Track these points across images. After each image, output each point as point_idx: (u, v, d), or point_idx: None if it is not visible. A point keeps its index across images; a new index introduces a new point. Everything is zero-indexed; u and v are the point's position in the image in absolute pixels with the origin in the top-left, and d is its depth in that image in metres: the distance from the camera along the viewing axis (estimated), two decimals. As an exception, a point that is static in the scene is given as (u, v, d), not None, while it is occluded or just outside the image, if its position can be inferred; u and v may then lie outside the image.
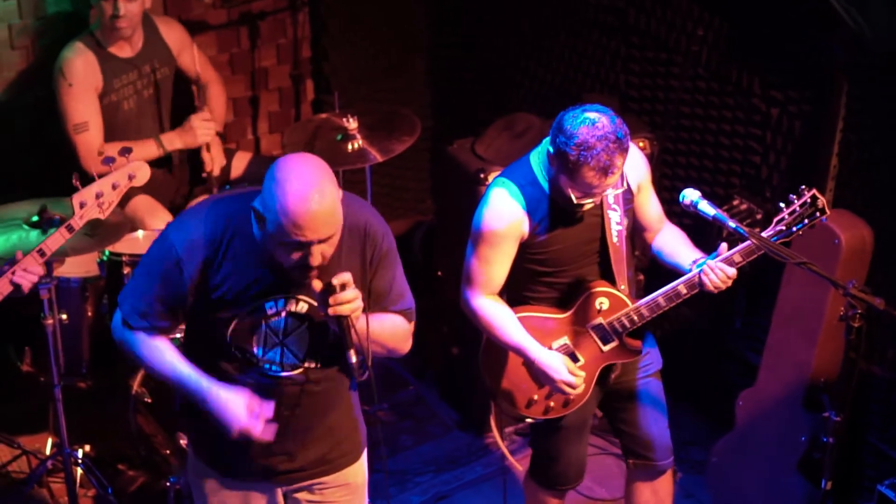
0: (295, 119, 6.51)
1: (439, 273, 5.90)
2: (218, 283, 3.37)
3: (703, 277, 4.04)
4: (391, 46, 6.69)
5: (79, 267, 5.00)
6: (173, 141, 5.52)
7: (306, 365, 3.51)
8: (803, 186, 4.02)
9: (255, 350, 3.46)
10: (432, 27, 6.78)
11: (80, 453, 4.91)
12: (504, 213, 4.02)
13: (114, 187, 4.19)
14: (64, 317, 4.85)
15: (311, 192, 3.17)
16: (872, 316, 3.74)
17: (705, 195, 4.01)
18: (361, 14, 6.52)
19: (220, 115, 5.84)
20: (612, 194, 4.08)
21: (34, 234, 4.51)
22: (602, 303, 4.17)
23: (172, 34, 5.60)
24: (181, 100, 5.87)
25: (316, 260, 3.23)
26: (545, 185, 4.02)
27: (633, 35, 5.60)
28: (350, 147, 5.22)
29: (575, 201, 3.92)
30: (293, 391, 3.54)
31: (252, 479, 3.67)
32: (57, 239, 4.09)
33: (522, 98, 6.32)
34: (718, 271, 4.02)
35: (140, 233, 5.09)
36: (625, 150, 3.83)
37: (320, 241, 3.22)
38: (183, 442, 4.68)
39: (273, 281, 3.38)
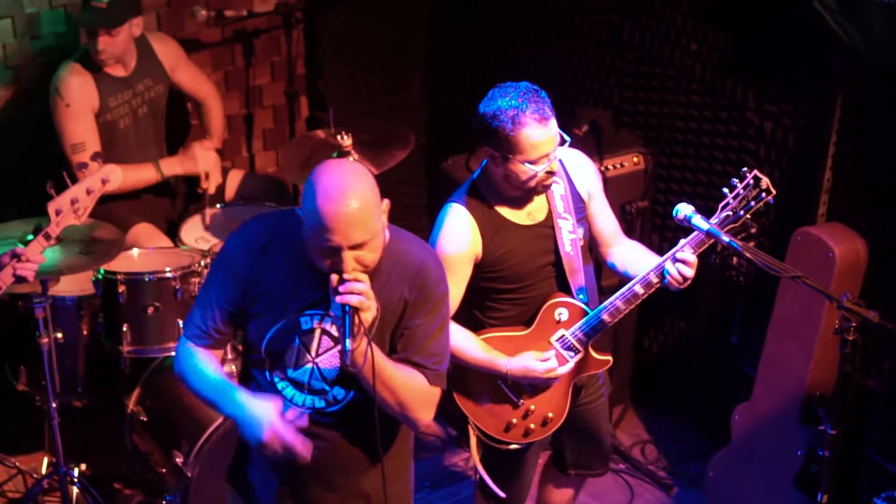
0: (290, 136, 6.51)
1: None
2: (260, 288, 3.32)
3: (667, 275, 3.98)
4: (386, 63, 6.70)
5: (74, 285, 5.00)
6: (173, 167, 5.53)
7: (333, 394, 3.37)
8: (745, 168, 3.98)
9: (286, 365, 3.36)
10: (428, 44, 6.79)
11: (76, 472, 4.90)
12: (457, 234, 4.02)
13: (88, 192, 4.26)
14: (59, 335, 4.86)
15: (342, 193, 3.11)
16: (867, 329, 3.74)
17: (699, 209, 4.00)
18: (356, 31, 6.53)
19: (220, 131, 5.87)
20: (560, 205, 4.08)
21: (29, 253, 4.52)
22: (561, 313, 4.13)
23: (166, 51, 5.61)
24: (176, 116, 5.89)
25: (348, 266, 3.14)
26: (493, 201, 4.05)
27: (628, 50, 5.62)
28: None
29: (536, 171, 3.90)
30: (317, 432, 3.39)
31: None
32: (35, 247, 4.14)
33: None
34: (679, 264, 3.97)
35: (135, 251, 5.09)
36: (546, 100, 3.90)
37: (351, 248, 3.14)
38: (179, 460, 4.68)
39: (312, 295, 3.30)
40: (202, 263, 4.91)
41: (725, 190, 3.97)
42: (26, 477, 5.20)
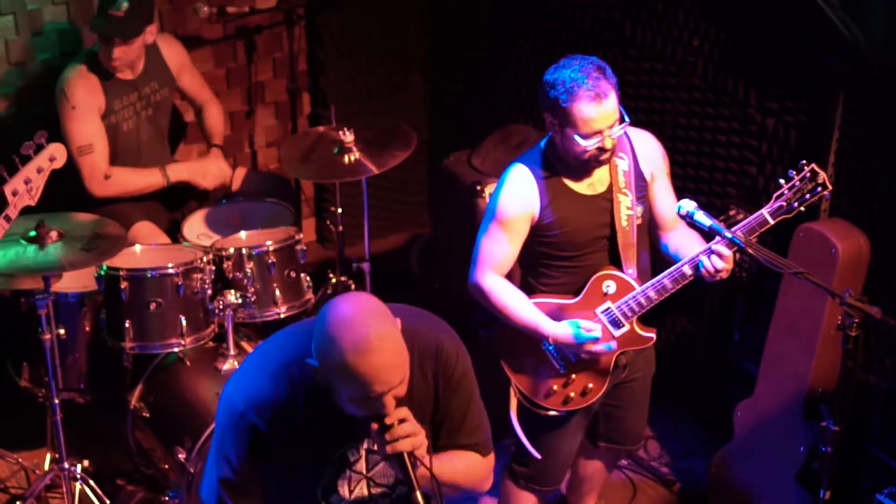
0: (292, 133, 6.52)
1: (437, 285, 5.90)
2: (297, 445, 3.11)
3: (701, 267, 4.05)
4: (387, 60, 6.72)
5: (76, 282, 5.00)
6: (180, 173, 5.53)
7: (398, 492, 3.27)
8: (803, 161, 4.03)
9: (341, 493, 3.22)
10: (428, 41, 6.80)
11: (78, 468, 4.89)
12: (518, 193, 4.11)
13: (39, 171, 4.35)
14: (62, 332, 4.85)
15: (372, 342, 2.86)
16: (870, 325, 3.73)
17: (702, 206, 4.01)
18: (357, 29, 6.54)
19: (220, 130, 5.86)
20: (622, 180, 4.14)
21: (31, 250, 4.52)
22: (609, 286, 4.18)
23: (173, 54, 5.60)
24: (179, 120, 5.89)
25: (390, 409, 2.94)
26: (556, 168, 4.12)
27: (630, 47, 5.61)
28: (346, 160, 5.23)
29: (586, 146, 3.97)
30: None
31: None
32: None
33: (519, 110, 6.33)
34: (715, 257, 4.04)
35: (137, 247, 5.08)
36: (609, 77, 3.95)
37: (391, 389, 2.92)
38: (181, 456, 4.68)
39: (351, 427, 3.12)
40: (204, 259, 4.91)
41: (782, 181, 4.03)
42: (29, 473, 5.20)
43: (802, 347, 4.72)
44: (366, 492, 3.26)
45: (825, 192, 4.02)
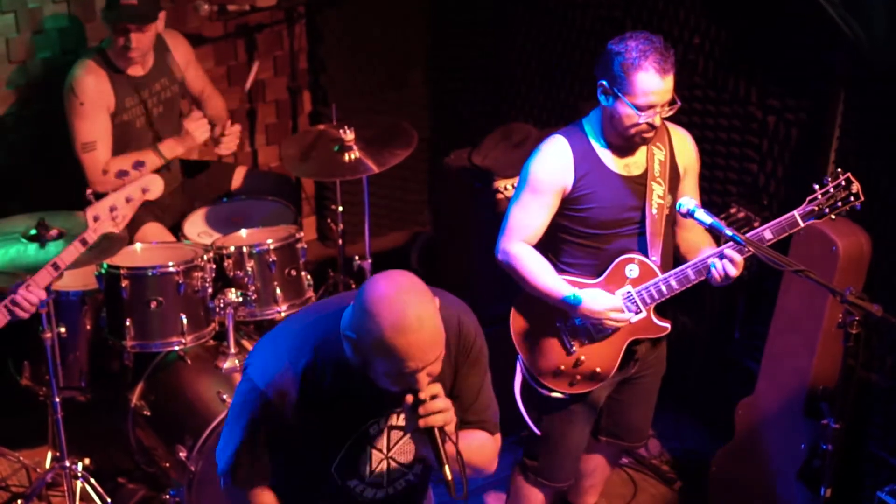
0: (292, 131, 6.52)
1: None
2: (319, 422, 3.13)
3: (712, 268, 4.07)
4: (388, 59, 6.71)
5: (77, 280, 5.00)
6: (174, 148, 5.46)
7: (413, 473, 3.34)
8: (839, 169, 4.05)
9: (363, 473, 3.26)
10: (429, 40, 6.79)
11: (79, 466, 4.90)
12: (551, 161, 4.13)
13: (127, 200, 4.31)
14: (62, 330, 4.85)
15: (410, 320, 2.89)
16: (870, 323, 3.73)
17: (702, 203, 4.02)
18: (358, 27, 6.54)
19: (224, 119, 5.83)
20: (657, 168, 4.15)
21: (32, 248, 4.52)
22: (632, 269, 4.18)
23: (180, 50, 5.59)
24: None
25: (424, 385, 2.98)
26: (595, 141, 4.13)
27: (630, 45, 5.61)
28: (347, 158, 5.24)
29: (640, 119, 3.98)
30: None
31: None
32: (71, 252, 4.21)
33: (520, 109, 6.33)
34: (725, 261, 4.06)
35: (138, 245, 5.08)
36: (672, 58, 3.98)
37: (427, 366, 2.97)
38: (182, 455, 4.68)
39: (373, 402, 3.16)
40: (205, 258, 4.91)
41: (816, 186, 4.04)
42: (30, 471, 5.21)
43: (803, 345, 4.72)
44: (384, 468, 3.28)
45: (857, 203, 4.04)
